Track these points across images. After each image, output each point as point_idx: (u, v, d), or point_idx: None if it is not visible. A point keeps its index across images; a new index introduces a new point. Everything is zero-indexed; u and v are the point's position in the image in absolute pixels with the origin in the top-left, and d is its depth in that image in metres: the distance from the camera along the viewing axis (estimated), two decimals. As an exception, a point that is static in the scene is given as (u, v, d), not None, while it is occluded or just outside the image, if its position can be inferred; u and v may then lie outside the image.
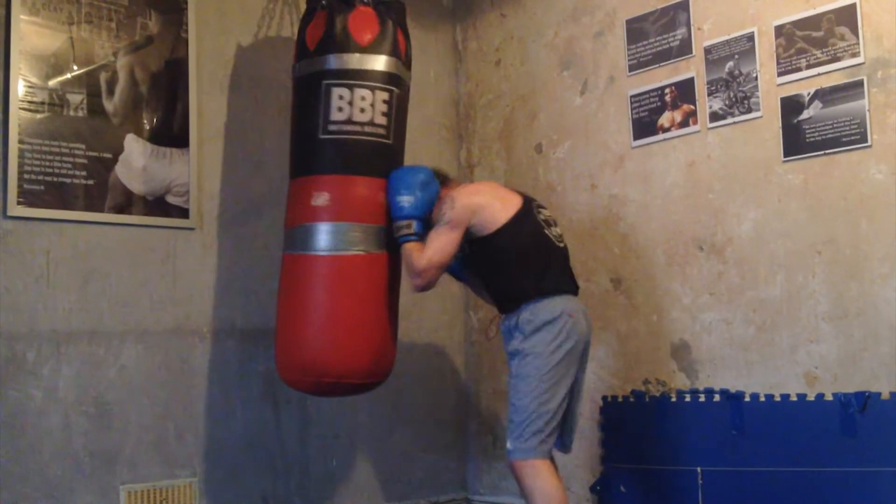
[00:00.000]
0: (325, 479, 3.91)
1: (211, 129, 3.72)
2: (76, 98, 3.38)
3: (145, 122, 3.53)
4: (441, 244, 3.05)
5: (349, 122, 3.19)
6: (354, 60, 3.23)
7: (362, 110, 3.20)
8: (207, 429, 3.60)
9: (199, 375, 3.61)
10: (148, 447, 3.45)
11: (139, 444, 3.43)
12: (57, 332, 3.29)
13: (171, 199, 3.58)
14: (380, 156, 3.23)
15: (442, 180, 3.26)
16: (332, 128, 3.20)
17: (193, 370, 3.60)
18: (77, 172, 3.35)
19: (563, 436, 3.13)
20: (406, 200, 3.10)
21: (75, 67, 3.39)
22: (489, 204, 3.10)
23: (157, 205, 3.54)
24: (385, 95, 3.22)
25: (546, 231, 3.14)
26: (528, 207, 3.15)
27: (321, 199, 3.19)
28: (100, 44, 3.46)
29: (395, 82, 3.26)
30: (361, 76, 3.22)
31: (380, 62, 3.23)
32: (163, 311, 3.54)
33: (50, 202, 3.29)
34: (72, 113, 3.37)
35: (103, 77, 3.45)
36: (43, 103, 3.31)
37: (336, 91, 3.21)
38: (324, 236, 3.15)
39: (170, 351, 3.54)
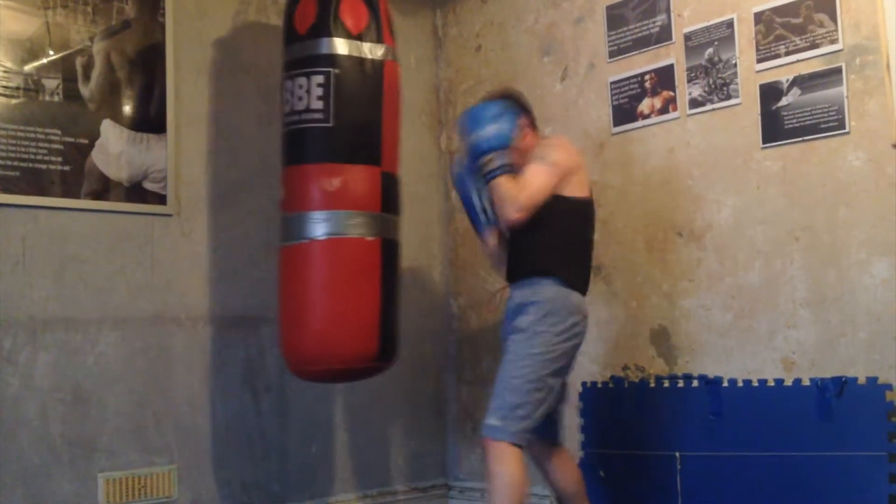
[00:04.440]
0: (304, 466, 3.91)
1: (189, 114, 3.69)
2: (52, 83, 3.35)
3: (122, 107, 3.50)
4: (543, 183, 2.93)
5: (291, 112, 3.27)
6: (295, 50, 3.30)
7: (300, 98, 3.23)
8: (186, 416, 3.59)
9: (178, 363, 3.59)
10: (126, 435, 3.44)
11: (117, 432, 3.41)
12: (33, 320, 3.26)
13: (148, 185, 3.55)
14: (320, 140, 3.23)
15: (522, 109, 3.18)
16: (285, 121, 3.31)
17: (172, 358, 3.58)
18: (53, 158, 3.32)
19: (546, 431, 3.10)
20: (483, 136, 2.95)
21: (51, 52, 3.36)
22: (582, 170, 3.05)
23: (135, 191, 3.51)
24: (320, 79, 3.21)
25: (593, 232, 3.12)
26: (592, 203, 3.12)
27: (281, 192, 3.33)
28: (76, 28, 3.42)
29: (331, 63, 3.21)
30: (299, 65, 3.26)
31: (315, 46, 3.23)
32: (141, 299, 3.52)
33: (25, 188, 3.26)
34: (47, 98, 3.34)
35: (79, 62, 3.41)
36: (18, 88, 3.28)
37: (285, 84, 3.32)
38: (286, 227, 3.29)
39: (148, 338, 3.52)
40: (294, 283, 3.24)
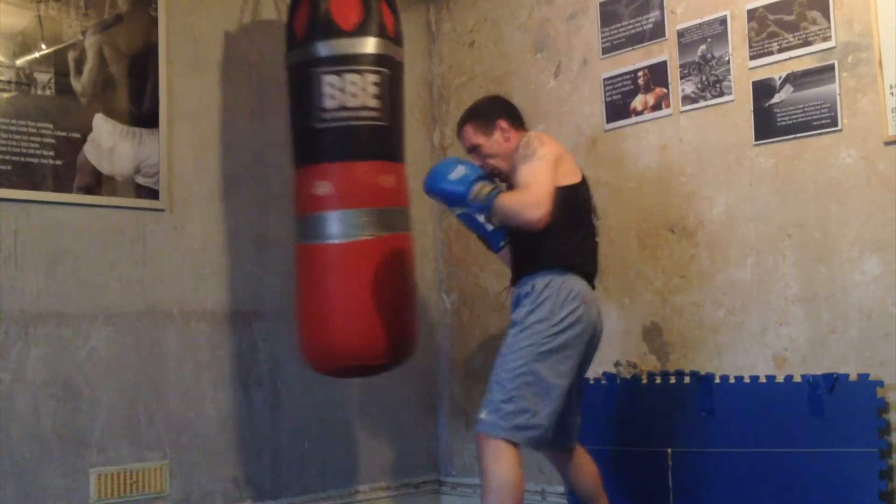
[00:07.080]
0: (296, 462, 3.91)
1: (181, 109, 3.69)
2: (44, 77, 3.34)
3: (114, 101, 3.49)
4: (545, 177, 2.83)
5: (342, 108, 3.26)
6: (341, 46, 3.28)
7: (354, 95, 3.25)
8: (178, 411, 3.59)
9: (170, 358, 3.59)
10: (118, 430, 3.43)
11: (109, 427, 3.41)
12: (25, 314, 3.25)
13: (140, 179, 3.54)
14: (376, 138, 3.32)
15: (502, 111, 3.15)
16: (326, 116, 3.28)
17: (164, 353, 3.57)
18: (45, 152, 3.31)
19: (559, 434, 2.97)
20: (457, 175, 2.91)
21: (43, 46, 3.35)
22: (566, 158, 3.00)
23: (127, 185, 3.51)
24: (374, 78, 3.28)
25: (591, 215, 3.07)
26: (587, 184, 3.05)
27: (323, 188, 3.29)
28: (68, 22, 3.41)
29: (385, 63, 3.31)
30: (349, 61, 3.28)
31: (367, 45, 3.29)
32: (133, 294, 3.51)
33: (17, 182, 3.25)
34: (39, 92, 3.33)
35: (71, 56, 3.40)
36: (10, 82, 3.27)
37: (323, 78, 3.28)
38: (333, 224, 3.27)
39: (140, 333, 3.52)
40: (349, 280, 3.28)
